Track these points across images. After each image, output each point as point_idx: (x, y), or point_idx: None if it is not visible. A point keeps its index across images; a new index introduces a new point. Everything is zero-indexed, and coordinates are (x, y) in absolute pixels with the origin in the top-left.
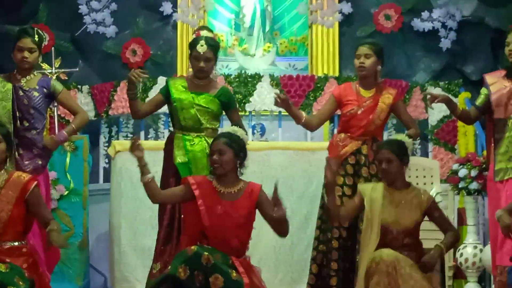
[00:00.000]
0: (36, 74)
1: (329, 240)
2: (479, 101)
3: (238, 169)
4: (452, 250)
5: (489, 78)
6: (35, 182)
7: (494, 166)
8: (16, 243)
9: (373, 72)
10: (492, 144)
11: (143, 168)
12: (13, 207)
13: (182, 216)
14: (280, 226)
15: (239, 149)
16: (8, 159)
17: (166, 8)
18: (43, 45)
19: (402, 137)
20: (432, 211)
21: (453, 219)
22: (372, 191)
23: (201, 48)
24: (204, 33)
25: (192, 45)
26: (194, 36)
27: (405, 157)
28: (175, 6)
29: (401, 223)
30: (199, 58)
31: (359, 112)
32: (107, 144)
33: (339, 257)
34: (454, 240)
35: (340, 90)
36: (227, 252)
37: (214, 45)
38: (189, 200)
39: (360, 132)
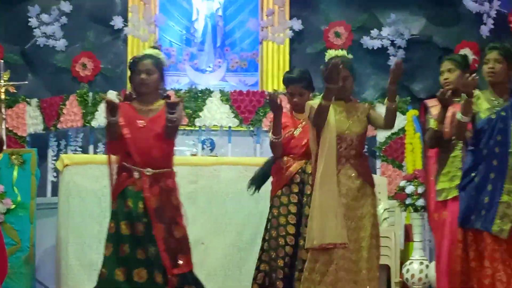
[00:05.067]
0: None
1: (272, 258)
2: (431, 123)
3: (159, 90)
4: (398, 266)
5: (429, 102)
6: None
7: (437, 186)
8: None
9: (307, 99)
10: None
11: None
12: None
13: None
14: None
15: (163, 70)
16: None
17: (117, 22)
18: None
19: (343, 53)
20: (371, 112)
21: (400, 236)
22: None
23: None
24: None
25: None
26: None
27: (355, 72)
28: (126, 20)
29: (354, 131)
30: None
31: (297, 133)
32: (55, 158)
33: (285, 276)
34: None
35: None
36: (150, 165)
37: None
38: None
39: (302, 152)
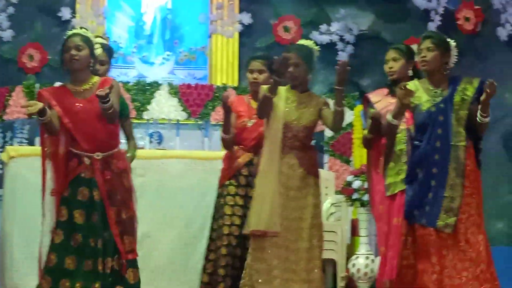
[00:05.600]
0: None
1: (218, 247)
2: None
3: (91, 67)
4: (344, 261)
5: (372, 96)
6: None
7: (385, 181)
8: None
9: (266, 79)
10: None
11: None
12: None
13: None
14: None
15: (93, 47)
16: None
17: (65, 13)
18: None
19: (309, 42)
20: (324, 107)
21: (346, 230)
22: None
23: (97, 51)
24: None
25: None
26: None
27: (312, 62)
28: (74, 11)
29: (302, 121)
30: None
31: (249, 124)
32: (0, 150)
33: (227, 264)
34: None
35: (234, 100)
36: (99, 148)
37: (109, 49)
38: None
39: (252, 144)
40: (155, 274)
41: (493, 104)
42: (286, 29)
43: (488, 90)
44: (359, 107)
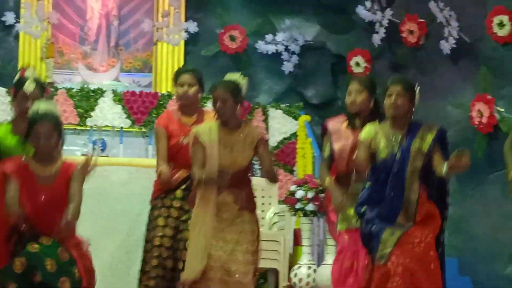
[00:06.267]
0: None
1: (150, 259)
2: (326, 152)
3: (59, 147)
4: (286, 270)
5: (331, 125)
6: None
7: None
8: None
9: (196, 99)
10: None
11: None
12: None
13: None
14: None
15: (61, 126)
16: None
17: (9, 18)
18: None
19: (236, 76)
20: (259, 144)
21: (289, 240)
22: (209, 134)
23: (29, 87)
24: (30, 71)
25: (19, 84)
26: (19, 75)
27: (239, 96)
28: (18, 16)
29: (237, 164)
30: (28, 98)
31: (185, 142)
32: None
33: (157, 275)
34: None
35: (164, 120)
36: (52, 233)
37: (41, 84)
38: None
39: (189, 162)
40: (96, 282)
41: (435, 117)
42: (232, 39)
43: (457, 164)
44: (303, 117)
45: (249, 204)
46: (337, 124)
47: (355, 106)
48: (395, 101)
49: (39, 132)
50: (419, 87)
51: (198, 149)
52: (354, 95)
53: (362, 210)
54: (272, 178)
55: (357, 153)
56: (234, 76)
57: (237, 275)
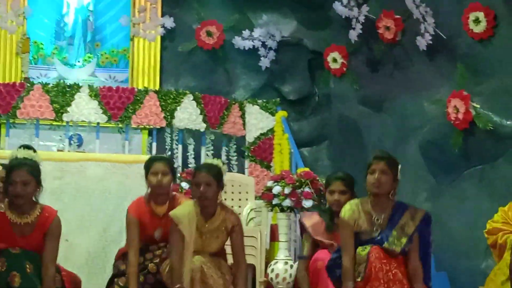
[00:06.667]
0: None
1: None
2: (305, 251)
3: (36, 196)
4: (263, 266)
5: (306, 221)
6: None
7: None
8: None
9: (170, 188)
10: None
11: None
12: None
13: None
14: None
15: (39, 173)
16: None
17: None
18: None
19: (218, 162)
20: (233, 231)
21: (266, 235)
22: (188, 221)
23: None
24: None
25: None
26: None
27: (222, 181)
28: None
29: (208, 249)
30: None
31: (157, 235)
32: None
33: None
34: (245, 278)
35: (135, 209)
36: None
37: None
38: None
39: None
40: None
41: (411, 113)
42: (209, 34)
43: None
44: (280, 113)
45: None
46: (313, 219)
47: (338, 205)
48: (378, 179)
49: (16, 179)
50: (400, 166)
51: (177, 237)
52: (338, 195)
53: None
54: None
55: (343, 258)
56: (215, 161)
57: None
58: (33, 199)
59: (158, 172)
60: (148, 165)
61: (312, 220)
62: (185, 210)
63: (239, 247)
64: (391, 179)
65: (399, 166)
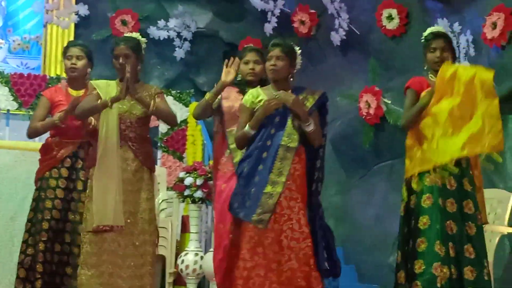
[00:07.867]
0: None
1: (37, 242)
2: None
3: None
4: (174, 257)
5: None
6: None
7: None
8: None
9: (85, 72)
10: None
11: None
12: None
13: None
14: None
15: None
16: None
17: None
18: None
19: (136, 35)
20: (157, 97)
21: (177, 226)
22: (106, 88)
23: None
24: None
25: None
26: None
27: (141, 54)
28: None
29: (133, 112)
30: None
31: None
32: None
33: (45, 260)
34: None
35: (51, 92)
36: None
37: None
38: None
39: (76, 134)
40: None
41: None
42: (124, 23)
43: (291, 105)
44: (194, 104)
45: (149, 160)
46: (230, 90)
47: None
48: (273, 64)
49: None
50: (300, 51)
51: (91, 97)
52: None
53: (244, 169)
54: (172, 121)
55: (239, 121)
56: (134, 34)
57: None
58: None
59: (73, 56)
60: (64, 51)
61: (228, 90)
62: (105, 81)
63: (165, 107)
64: (288, 65)
65: (298, 52)
